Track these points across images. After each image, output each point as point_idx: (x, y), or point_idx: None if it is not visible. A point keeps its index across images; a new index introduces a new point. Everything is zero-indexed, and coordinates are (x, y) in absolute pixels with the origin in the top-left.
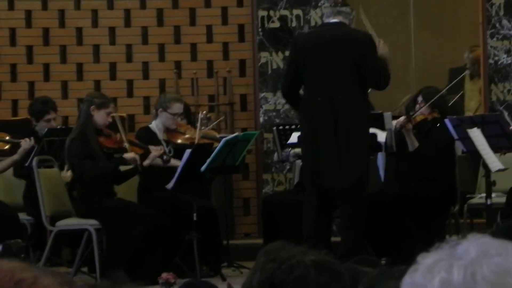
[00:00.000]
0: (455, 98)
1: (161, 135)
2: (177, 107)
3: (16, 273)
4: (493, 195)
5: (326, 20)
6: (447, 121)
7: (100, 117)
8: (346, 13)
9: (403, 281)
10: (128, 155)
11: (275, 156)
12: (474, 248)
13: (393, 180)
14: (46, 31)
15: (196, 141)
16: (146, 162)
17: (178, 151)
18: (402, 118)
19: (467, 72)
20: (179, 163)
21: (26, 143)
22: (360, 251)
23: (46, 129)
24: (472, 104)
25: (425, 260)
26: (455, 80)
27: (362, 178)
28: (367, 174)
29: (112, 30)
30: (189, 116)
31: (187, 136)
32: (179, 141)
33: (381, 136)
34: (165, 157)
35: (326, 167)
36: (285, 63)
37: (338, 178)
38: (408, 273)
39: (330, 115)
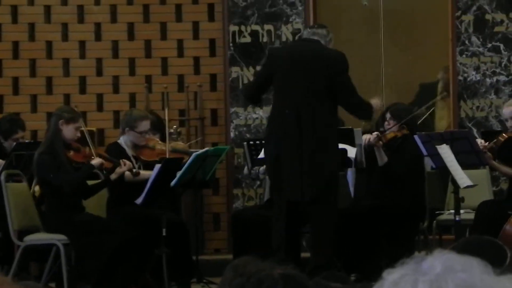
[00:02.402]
0: (426, 115)
1: (129, 152)
2: (144, 125)
3: None
4: (462, 211)
5: (304, 37)
6: (416, 137)
7: (68, 131)
8: (322, 35)
9: None
10: (96, 161)
11: (245, 170)
12: (439, 264)
13: (363, 196)
14: (15, 44)
15: (166, 155)
16: (112, 176)
17: (148, 167)
18: (372, 136)
19: (445, 95)
20: (149, 174)
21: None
22: (330, 267)
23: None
24: (443, 123)
25: (391, 275)
26: (431, 101)
27: (326, 191)
28: (334, 187)
29: (82, 43)
30: (162, 129)
31: (156, 151)
32: (149, 157)
33: (351, 151)
34: (134, 170)
35: (290, 181)
36: (256, 72)
37: (301, 192)
38: None
39: (295, 128)
